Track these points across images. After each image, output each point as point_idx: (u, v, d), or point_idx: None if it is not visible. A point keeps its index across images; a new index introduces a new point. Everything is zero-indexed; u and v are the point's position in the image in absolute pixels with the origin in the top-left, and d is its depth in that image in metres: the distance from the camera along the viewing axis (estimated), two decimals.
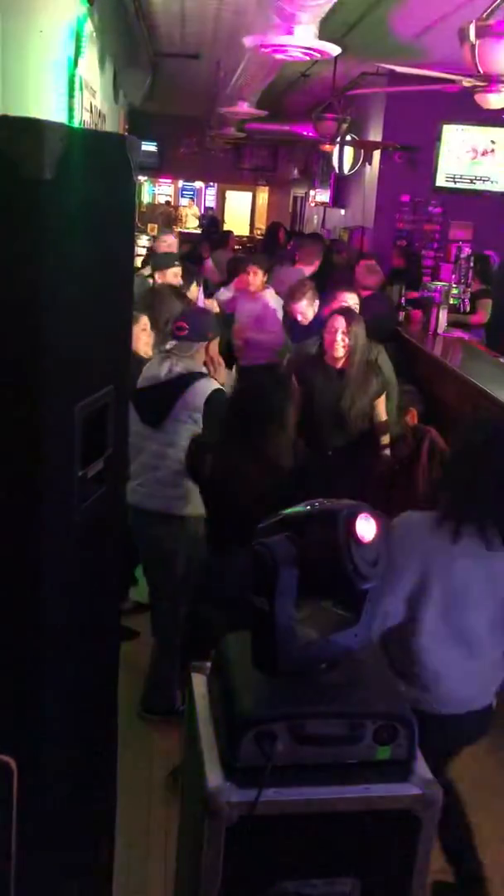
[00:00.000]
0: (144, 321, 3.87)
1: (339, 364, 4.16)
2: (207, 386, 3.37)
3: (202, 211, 19.40)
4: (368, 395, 4.18)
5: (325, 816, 1.60)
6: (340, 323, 4.13)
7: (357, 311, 4.59)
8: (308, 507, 1.65)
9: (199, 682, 1.83)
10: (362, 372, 4.17)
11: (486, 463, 2.28)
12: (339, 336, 4.10)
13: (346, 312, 4.27)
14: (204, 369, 3.52)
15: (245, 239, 17.26)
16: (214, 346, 3.86)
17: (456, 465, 2.46)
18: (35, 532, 1.52)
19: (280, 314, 5.93)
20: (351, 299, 4.77)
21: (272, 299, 6.08)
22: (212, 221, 15.77)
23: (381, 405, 4.30)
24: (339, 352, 4.13)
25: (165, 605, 3.50)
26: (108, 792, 2.14)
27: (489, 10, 3.82)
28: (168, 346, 3.53)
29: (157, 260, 5.61)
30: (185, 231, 15.07)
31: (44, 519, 1.52)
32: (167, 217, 16.83)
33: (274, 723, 1.57)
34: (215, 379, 3.59)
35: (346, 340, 4.11)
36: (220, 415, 3.17)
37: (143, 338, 3.82)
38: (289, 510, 1.66)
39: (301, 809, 1.58)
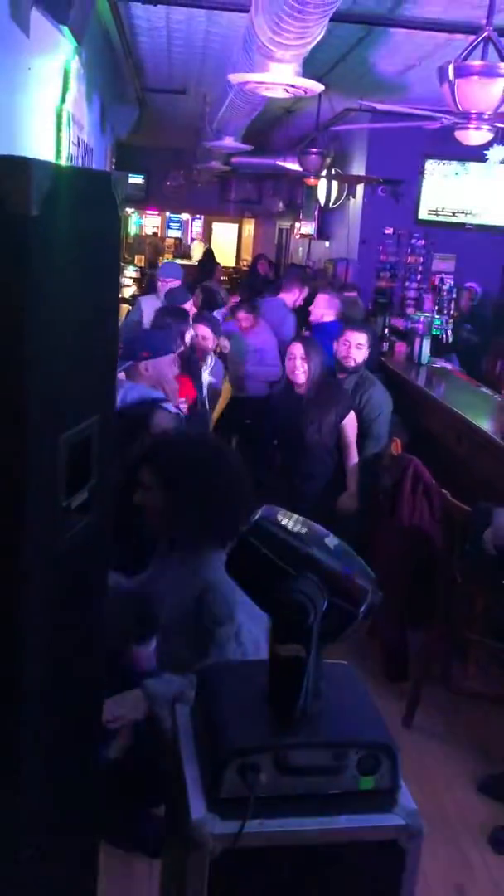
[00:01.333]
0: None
1: (303, 390, 4.35)
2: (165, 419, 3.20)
3: (189, 242, 19.59)
4: (332, 415, 4.32)
5: (308, 848, 1.59)
6: (299, 350, 4.36)
7: (365, 349, 4.69)
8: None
9: (182, 714, 1.83)
10: (325, 393, 4.35)
11: None
12: (299, 362, 4.32)
13: (305, 340, 4.49)
14: (159, 393, 3.33)
15: (231, 270, 17.43)
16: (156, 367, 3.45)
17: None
18: (17, 562, 1.53)
19: (274, 345, 6.06)
20: (358, 338, 4.78)
21: (268, 333, 6.21)
22: (208, 254, 15.94)
23: (348, 428, 4.41)
24: (301, 378, 4.34)
25: None
26: (89, 826, 2.12)
27: (467, 51, 3.92)
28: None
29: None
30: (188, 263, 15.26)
31: (27, 549, 1.53)
32: (154, 248, 16.98)
33: (257, 754, 1.56)
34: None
35: (306, 366, 4.31)
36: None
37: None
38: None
39: (285, 841, 1.58)
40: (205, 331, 5.01)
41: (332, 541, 1.67)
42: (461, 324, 7.71)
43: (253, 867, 1.58)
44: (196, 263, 14.24)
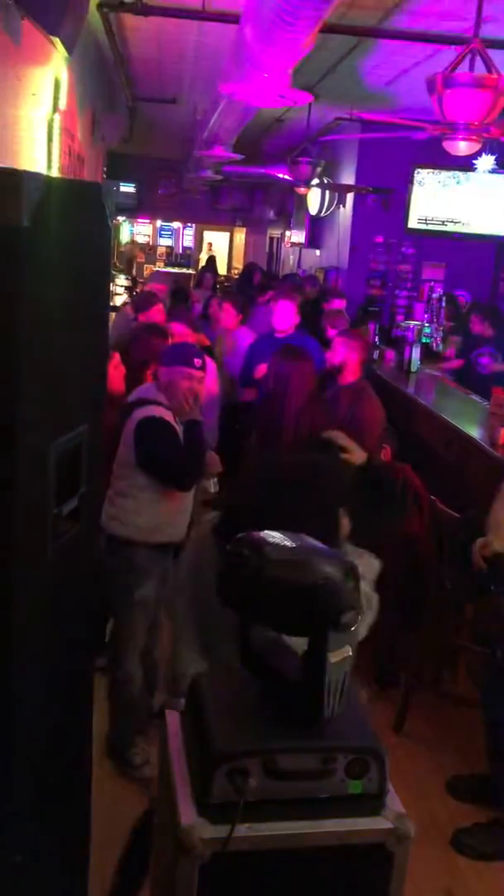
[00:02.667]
0: (116, 359, 3.91)
1: None
2: (142, 412, 3.20)
3: (181, 251, 19.65)
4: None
5: (297, 852, 1.60)
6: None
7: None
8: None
9: (172, 720, 1.84)
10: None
11: None
12: None
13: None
14: (159, 395, 3.27)
15: (222, 278, 17.48)
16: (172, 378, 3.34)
17: None
18: (8, 570, 1.54)
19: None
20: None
21: (247, 337, 6.17)
22: (210, 261, 16.01)
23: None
24: None
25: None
26: (80, 834, 2.13)
27: (455, 63, 3.96)
28: None
29: (138, 300, 5.66)
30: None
31: (18, 556, 1.54)
32: (129, 260, 16.96)
33: (246, 758, 1.57)
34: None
35: None
36: (147, 444, 3.12)
37: (116, 376, 3.85)
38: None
39: (274, 845, 1.59)
40: (181, 328, 4.99)
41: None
42: (451, 333, 7.75)
43: (243, 871, 1.59)
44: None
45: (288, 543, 1.60)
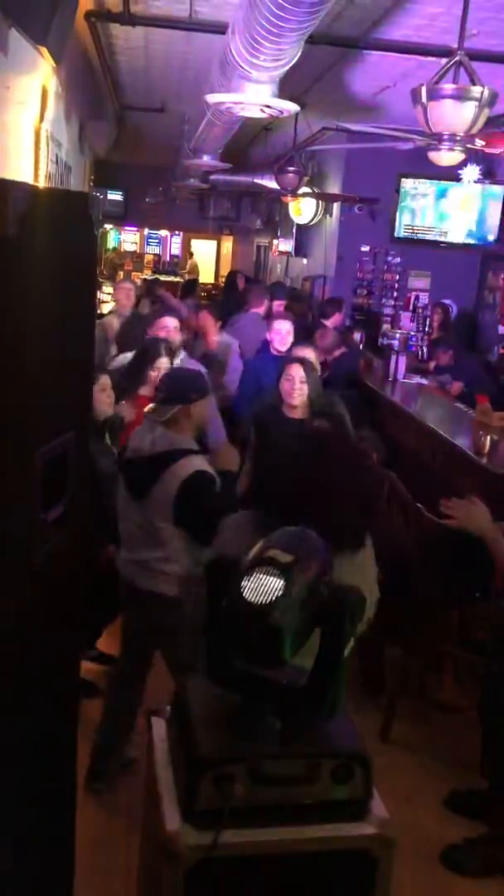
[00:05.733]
0: (104, 382, 3.83)
1: (297, 414, 4.22)
2: (188, 467, 2.93)
3: (168, 259, 19.67)
4: None
5: (283, 857, 1.61)
6: (298, 372, 4.20)
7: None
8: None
9: (158, 727, 1.84)
10: (322, 418, 4.23)
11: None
12: (297, 384, 4.17)
13: (304, 361, 4.33)
14: (193, 443, 3.05)
15: (210, 286, 17.51)
16: (201, 410, 3.15)
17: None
18: None
19: (235, 358, 6.03)
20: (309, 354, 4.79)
21: (227, 343, 6.19)
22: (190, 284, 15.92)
23: None
24: (296, 400, 4.19)
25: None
26: (65, 846, 2.12)
27: (439, 74, 4.00)
28: (147, 410, 3.18)
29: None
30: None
31: (3, 563, 1.55)
32: (114, 267, 16.94)
33: (232, 764, 1.58)
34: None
35: (305, 389, 4.18)
36: (200, 500, 2.84)
37: (102, 398, 3.78)
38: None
39: (259, 851, 1.60)
40: (170, 321, 5.03)
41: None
42: (440, 343, 7.79)
43: (228, 877, 1.59)
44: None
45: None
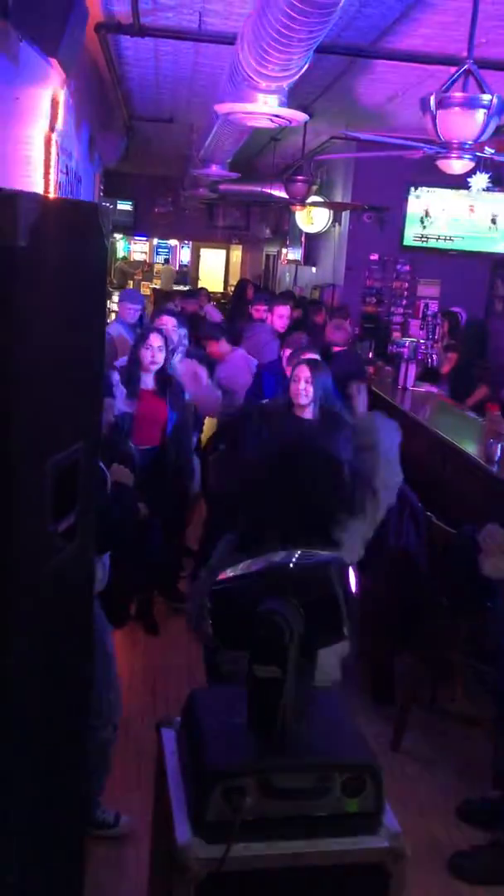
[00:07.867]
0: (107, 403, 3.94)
1: (304, 413, 4.25)
2: None
3: (178, 268, 19.72)
4: (334, 441, 4.24)
5: (294, 871, 1.60)
6: (305, 373, 4.25)
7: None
8: (291, 561, 1.68)
9: (168, 738, 1.83)
10: (329, 419, 4.26)
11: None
12: (303, 385, 4.21)
13: (312, 362, 4.36)
14: None
15: (219, 295, 17.54)
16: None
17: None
18: (4, 586, 1.54)
19: (250, 372, 6.02)
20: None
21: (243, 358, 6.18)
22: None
23: None
24: (304, 400, 4.21)
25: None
26: (74, 859, 2.11)
27: (448, 83, 4.00)
28: None
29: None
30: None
31: (14, 574, 1.54)
32: (123, 275, 16.94)
33: (242, 777, 1.57)
34: None
35: (311, 390, 4.20)
36: None
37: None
38: (268, 564, 1.70)
39: (270, 864, 1.58)
40: (168, 321, 5.21)
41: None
42: (449, 350, 7.77)
43: (238, 891, 1.58)
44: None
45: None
